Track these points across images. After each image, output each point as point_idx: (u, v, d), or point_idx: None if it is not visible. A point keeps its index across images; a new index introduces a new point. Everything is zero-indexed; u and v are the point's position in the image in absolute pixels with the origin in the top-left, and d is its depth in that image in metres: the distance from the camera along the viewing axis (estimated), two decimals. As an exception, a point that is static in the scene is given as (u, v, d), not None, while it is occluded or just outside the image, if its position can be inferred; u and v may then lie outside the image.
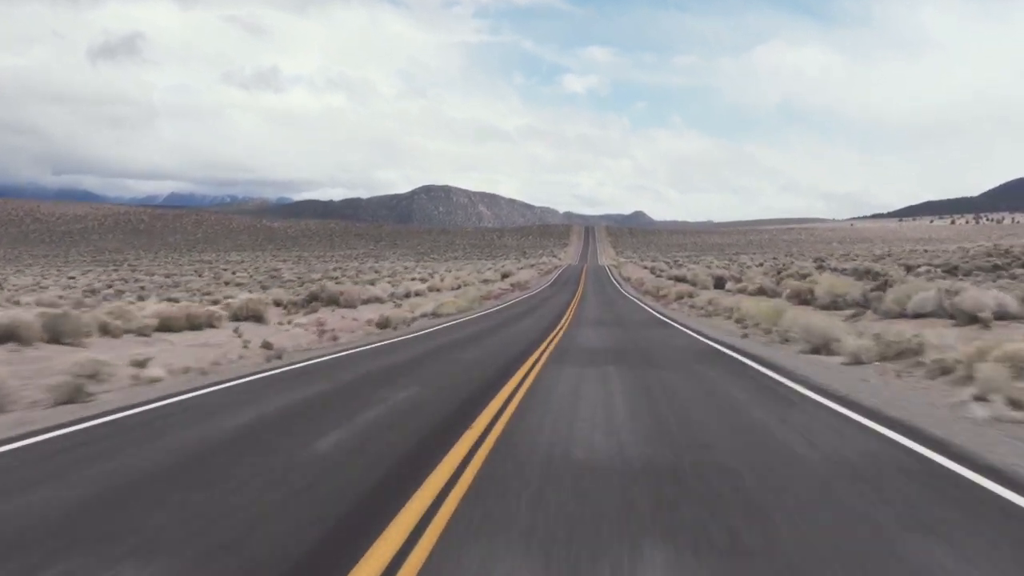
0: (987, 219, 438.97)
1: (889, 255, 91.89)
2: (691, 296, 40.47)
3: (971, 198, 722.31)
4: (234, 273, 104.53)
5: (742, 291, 39.97)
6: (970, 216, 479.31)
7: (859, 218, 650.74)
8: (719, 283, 46.80)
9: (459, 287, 53.50)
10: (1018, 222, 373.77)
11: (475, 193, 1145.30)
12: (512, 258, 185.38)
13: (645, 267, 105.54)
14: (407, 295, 38.56)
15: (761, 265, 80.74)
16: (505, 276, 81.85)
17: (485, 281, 70.31)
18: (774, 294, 34.91)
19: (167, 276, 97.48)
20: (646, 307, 35.99)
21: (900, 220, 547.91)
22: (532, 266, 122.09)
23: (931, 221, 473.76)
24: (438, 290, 47.20)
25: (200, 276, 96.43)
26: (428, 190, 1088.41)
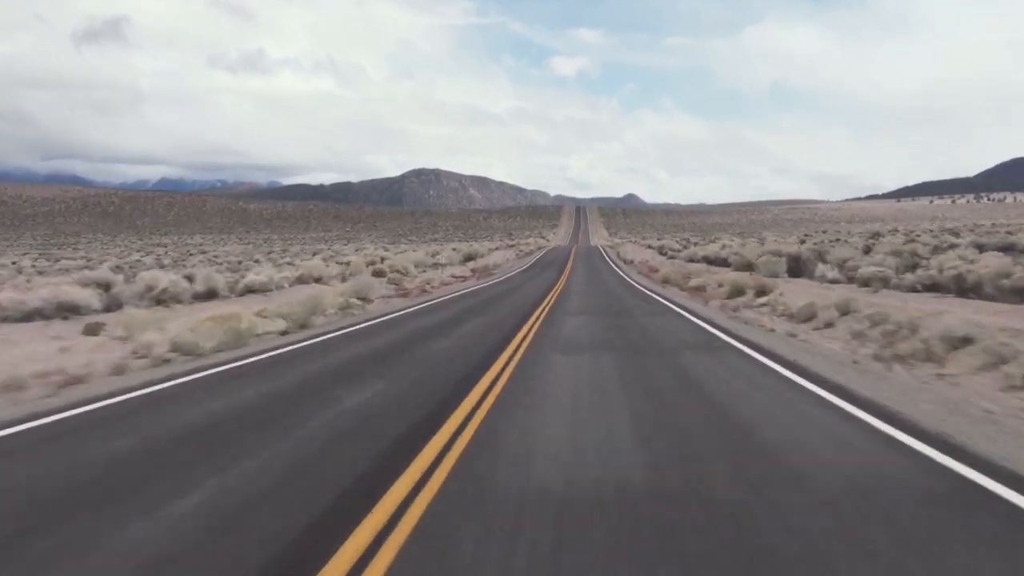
0: (988, 199, 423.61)
1: (962, 231, 73.17)
2: (764, 294, 21.28)
3: (967, 178, 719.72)
4: (145, 255, 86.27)
5: (882, 282, 20.66)
6: (970, 196, 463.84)
7: (854, 199, 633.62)
8: (795, 267, 27.51)
9: (393, 271, 34.56)
10: (1020, 201, 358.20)
11: (466, 177, 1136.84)
12: (496, 239, 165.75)
13: (650, 247, 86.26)
14: (211, 294, 19.31)
15: (803, 243, 61.74)
16: (469, 259, 62.39)
17: (436, 265, 51.04)
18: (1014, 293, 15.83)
19: (57, 261, 78.78)
20: (702, 323, 16.57)
21: (898, 200, 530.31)
22: (511, 246, 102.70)
23: (931, 201, 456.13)
24: (318, 280, 27.79)
25: (89, 261, 78.03)
26: (419, 174, 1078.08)
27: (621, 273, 46.24)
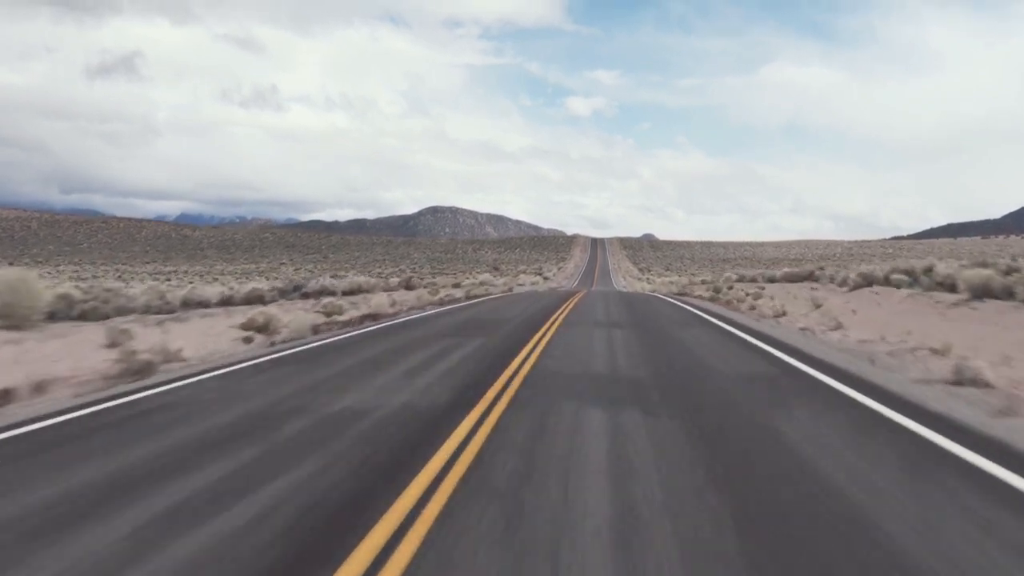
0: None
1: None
2: None
3: (994, 220, 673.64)
4: None
5: None
6: (1013, 236, 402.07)
7: (883, 239, 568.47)
8: None
9: None
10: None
11: (482, 214, 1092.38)
12: (473, 275, 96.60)
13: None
14: None
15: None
16: None
17: None
18: None
19: None
20: None
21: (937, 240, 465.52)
22: (411, 287, 32.17)
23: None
24: None
25: None
26: (435, 211, 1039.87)
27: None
